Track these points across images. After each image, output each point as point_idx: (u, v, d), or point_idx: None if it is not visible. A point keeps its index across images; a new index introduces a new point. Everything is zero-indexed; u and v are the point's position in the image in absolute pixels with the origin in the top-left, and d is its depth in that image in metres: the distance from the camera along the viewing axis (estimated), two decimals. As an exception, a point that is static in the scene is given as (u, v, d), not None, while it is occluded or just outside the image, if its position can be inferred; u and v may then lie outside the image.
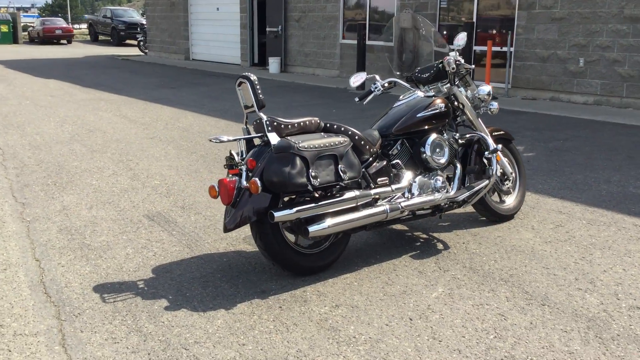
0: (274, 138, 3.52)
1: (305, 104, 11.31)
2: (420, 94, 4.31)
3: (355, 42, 15.09)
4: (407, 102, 4.24)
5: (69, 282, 3.60)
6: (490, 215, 4.52)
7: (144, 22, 30.08)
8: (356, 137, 3.79)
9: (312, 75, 16.49)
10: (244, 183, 3.42)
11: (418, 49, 4.94)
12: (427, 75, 4.44)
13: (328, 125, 3.82)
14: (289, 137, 3.51)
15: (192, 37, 22.04)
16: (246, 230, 4.36)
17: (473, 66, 4.54)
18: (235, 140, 3.53)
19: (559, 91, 10.83)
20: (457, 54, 4.35)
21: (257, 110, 3.54)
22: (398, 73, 4.73)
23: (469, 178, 4.29)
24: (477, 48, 12.14)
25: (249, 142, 3.64)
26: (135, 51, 26.79)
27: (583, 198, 5.22)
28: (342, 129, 3.81)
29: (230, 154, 3.51)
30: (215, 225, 4.59)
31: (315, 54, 16.38)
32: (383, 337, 2.96)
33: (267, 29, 17.95)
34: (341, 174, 3.52)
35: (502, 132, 4.63)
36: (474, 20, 12.19)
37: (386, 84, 4.47)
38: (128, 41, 31.07)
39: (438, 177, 4.09)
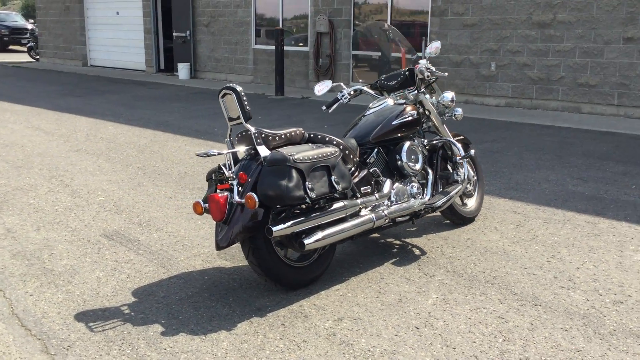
0: (263, 150, 3.44)
1: (227, 111, 11.11)
2: (390, 101, 4.35)
3: (268, 47, 15.03)
4: (379, 111, 4.27)
5: (45, 312, 3.35)
6: (455, 218, 4.63)
7: (30, 26, 28.54)
8: (341, 147, 3.78)
9: (225, 81, 16.26)
10: (237, 198, 3.31)
11: (386, 56, 4.98)
12: (393, 82, 4.48)
13: (312, 135, 3.78)
14: (279, 149, 3.44)
15: (90, 43, 21.15)
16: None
17: (446, 74, 4.64)
18: (222, 154, 3.41)
19: (473, 94, 11.28)
20: (428, 61, 4.43)
21: (244, 122, 3.44)
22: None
23: (441, 183, 4.38)
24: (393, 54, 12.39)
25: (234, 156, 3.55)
26: (23, 57, 25.36)
27: (530, 198, 5.46)
28: (327, 139, 3.78)
29: (220, 168, 3.39)
30: (182, 241, 4.42)
31: (227, 59, 16.17)
32: (397, 348, 2.96)
33: (174, 34, 17.52)
34: (335, 184, 3.49)
35: (461, 137, 4.75)
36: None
37: (352, 92, 4.49)
38: (12, 47, 29.37)
39: (413, 184, 4.14)
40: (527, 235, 4.50)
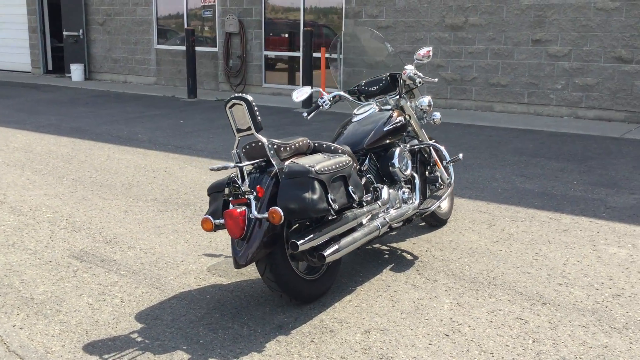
0: (278, 162, 3.32)
1: (142, 115, 10.69)
2: (375, 107, 4.34)
3: (172, 47, 14.58)
4: (367, 117, 4.24)
5: (47, 347, 3.06)
6: (432, 220, 4.70)
7: None
8: (351, 156, 3.72)
9: (124, 83, 15.60)
10: (256, 213, 3.18)
11: (375, 62, 4.95)
12: (375, 88, 4.48)
13: (317, 144, 3.69)
14: (294, 161, 3.33)
15: (-34, 43, 19.53)
16: (202, 260, 4.05)
17: (436, 79, 4.69)
18: (241, 166, 3.25)
19: (390, 94, 11.52)
20: (415, 67, 4.45)
21: (255, 132, 3.30)
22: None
23: (429, 187, 4.43)
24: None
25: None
26: None
27: (487, 196, 5.65)
28: (332, 147, 3.71)
29: (235, 182, 3.23)
30: (163, 259, 4.19)
31: (126, 60, 15.51)
32: (439, 358, 2.96)
33: (65, 33, 16.57)
34: (352, 194, 3.44)
35: (433, 140, 4.83)
36: (301, 27, 12.48)
37: (331, 98, 4.44)
38: None
39: (404, 189, 4.16)
40: (503, 234, 4.65)
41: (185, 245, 4.43)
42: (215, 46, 13.95)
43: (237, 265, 3.17)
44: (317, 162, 3.32)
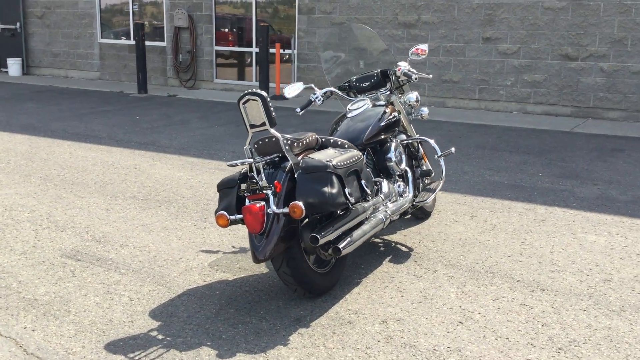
0: (293, 157, 3.37)
1: (93, 110, 10.43)
2: (369, 103, 4.41)
3: (117, 41, 14.26)
4: (362, 113, 4.31)
5: (68, 349, 3.01)
6: (419, 212, 4.83)
7: None
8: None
9: (66, 78, 15.14)
10: (274, 208, 3.21)
11: (369, 57, 5.01)
12: (366, 84, 4.56)
13: (324, 140, 3.75)
14: (311, 156, 3.38)
15: None
16: (201, 257, 4.05)
17: (430, 75, 4.80)
18: (257, 162, 3.27)
19: (344, 90, 11.64)
20: (408, 64, 4.55)
21: (269, 128, 3.33)
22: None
23: (421, 180, 4.55)
24: (257, 50, 12.44)
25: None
26: None
27: (461, 189, 5.84)
28: (339, 142, 3.77)
29: (253, 177, 3.26)
30: (160, 256, 4.16)
31: (67, 54, 15.05)
32: (459, 344, 3.08)
33: (1, 27, 15.92)
34: (365, 188, 3.51)
35: (417, 135, 4.97)
36: (253, 22, 12.45)
37: (323, 94, 4.51)
38: None
39: (399, 183, 4.27)
40: (486, 224, 4.83)
41: (179, 243, 4.41)
42: (163, 40, 13.72)
43: (257, 260, 3.19)
44: (333, 157, 3.38)
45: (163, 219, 4.92)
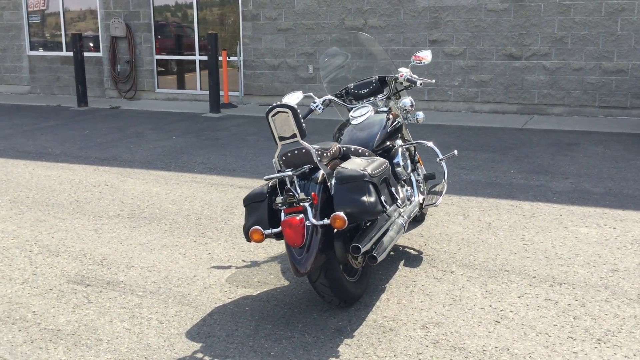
0: (324, 168, 3.36)
1: (37, 127, 9.99)
2: (372, 110, 4.44)
3: (48, 53, 13.73)
4: (368, 119, 4.33)
5: (115, 378, 2.89)
6: (417, 215, 4.91)
7: None
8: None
9: (-6, 94, 14.42)
10: (314, 221, 3.20)
11: (367, 64, 5.02)
12: (365, 90, 4.60)
13: (345, 149, 3.76)
14: (344, 166, 3.38)
15: None
16: (215, 273, 3.98)
17: (433, 80, 4.86)
18: (289, 174, 3.24)
19: (293, 96, 11.65)
20: (410, 70, 4.60)
21: (300, 140, 3.31)
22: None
23: (424, 184, 4.62)
24: (201, 58, 12.29)
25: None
26: None
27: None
28: (360, 150, 3.79)
29: (290, 190, 3.23)
30: (172, 275, 4.05)
31: (-5, 69, 14.35)
32: (505, 343, 3.16)
33: None
34: (395, 195, 3.54)
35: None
36: (196, 29, 12.27)
37: (322, 102, 4.52)
38: None
39: (407, 187, 4.32)
40: (481, 223, 4.96)
41: (186, 260, 4.30)
42: (99, 51, 13.30)
43: (299, 273, 3.16)
44: (366, 166, 3.39)
45: (158, 236, 4.78)
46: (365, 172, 3.29)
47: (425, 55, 4.59)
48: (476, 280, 3.89)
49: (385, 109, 4.53)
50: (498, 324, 3.34)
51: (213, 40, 10.55)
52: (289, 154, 3.39)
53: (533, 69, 10.06)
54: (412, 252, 4.39)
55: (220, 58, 11.22)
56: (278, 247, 4.50)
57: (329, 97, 4.58)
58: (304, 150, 3.36)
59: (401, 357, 3.03)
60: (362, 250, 3.22)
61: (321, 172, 3.36)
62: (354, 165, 3.40)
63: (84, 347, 3.15)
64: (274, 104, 3.34)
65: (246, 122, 9.99)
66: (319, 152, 3.40)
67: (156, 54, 12.77)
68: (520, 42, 10.09)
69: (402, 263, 4.19)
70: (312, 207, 3.23)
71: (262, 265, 4.19)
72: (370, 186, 3.29)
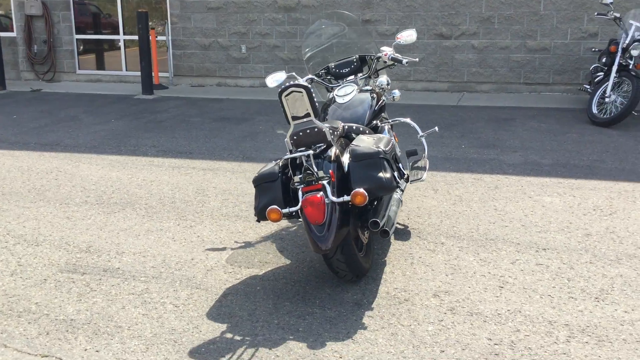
0: (337, 146, 3.43)
1: (-41, 112, 9.39)
2: (357, 88, 4.51)
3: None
4: (354, 98, 4.40)
5: (152, 364, 2.87)
6: (392, 192, 5.06)
7: None
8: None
9: None
10: (333, 198, 3.27)
11: (349, 43, 5.04)
12: (346, 70, 4.66)
13: (347, 127, 3.83)
14: (356, 144, 3.46)
15: None
16: (213, 255, 3.99)
17: (417, 59, 4.96)
18: (308, 154, 3.29)
19: (225, 77, 11.53)
20: (393, 49, 4.69)
21: (314, 119, 3.36)
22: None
23: (409, 160, 4.76)
24: (127, 37, 11.91)
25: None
26: None
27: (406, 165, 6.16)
28: (361, 129, 3.87)
29: (308, 169, 3.27)
30: (169, 259, 4.01)
31: None
32: (515, 306, 3.37)
33: None
34: (402, 170, 3.65)
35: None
36: (119, 8, 11.86)
37: (305, 82, 4.55)
38: None
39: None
40: (452, 196, 5.19)
41: (178, 244, 4.26)
42: (13, 31, 12.57)
43: (320, 250, 3.23)
44: (377, 143, 3.48)
45: (138, 222, 4.69)
46: (380, 149, 3.39)
47: (410, 34, 4.70)
48: (468, 250, 4.08)
49: (369, 87, 4.62)
50: (502, 289, 3.54)
51: (144, 19, 10.24)
52: (301, 134, 3.42)
53: (462, 48, 10.44)
54: (398, 226, 4.53)
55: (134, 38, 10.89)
56: (266, 228, 4.52)
57: (310, 76, 4.62)
58: (316, 130, 3.40)
59: (424, 325, 3.17)
60: (381, 224, 3.31)
61: (333, 150, 3.42)
62: (366, 142, 3.48)
63: (106, 335, 3.09)
64: (288, 84, 3.36)
65: (183, 103, 9.80)
66: (331, 131, 3.45)
67: (76, 34, 12.23)
68: (450, 22, 10.43)
69: (392, 237, 4.32)
70: (330, 185, 3.29)
71: (256, 245, 4.21)
72: (385, 162, 3.39)
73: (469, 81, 10.54)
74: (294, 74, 4.63)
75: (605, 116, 7.72)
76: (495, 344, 2.98)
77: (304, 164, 3.32)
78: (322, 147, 3.43)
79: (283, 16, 10.99)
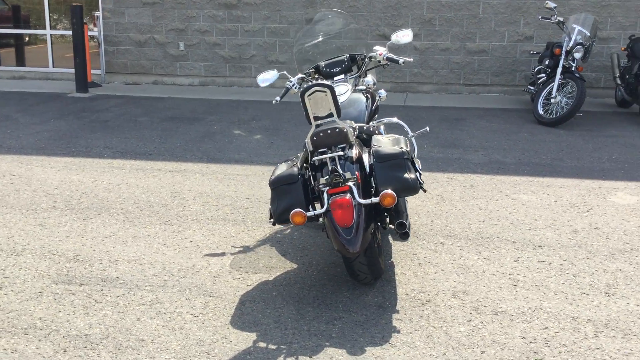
0: (358, 147, 3.38)
1: None
2: (351, 88, 4.45)
3: None
4: (349, 98, 4.34)
5: (191, 379, 2.72)
6: (375, 192, 5.05)
7: None
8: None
9: None
10: (360, 200, 3.21)
11: (341, 42, 4.93)
12: (337, 69, 4.59)
13: (358, 127, 3.77)
14: (377, 144, 3.41)
15: None
16: (214, 261, 3.85)
17: (412, 59, 4.90)
18: (338, 154, 3.22)
19: (162, 75, 11.17)
20: (387, 49, 4.65)
21: (337, 119, 3.29)
22: None
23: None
24: (53, 32, 11.33)
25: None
26: None
27: (375, 166, 6.17)
28: (371, 129, 3.82)
29: (335, 170, 3.20)
30: (169, 267, 3.82)
31: None
32: (534, 304, 3.43)
33: None
34: (419, 170, 3.63)
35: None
36: (45, 2, 11.27)
37: (297, 80, 4.47)
38: None
39: (387, 164, 4.43)
40: (433, 196, 5.24)
41: (172, 250, 4.06)
42: None
43: (349, 253, 3.16)
44: (397, 143, 3.44)
45: (121, 227, 4.44)
46: (403, 150, 3.35)
47: (406, 34, 4.67)
48: (469, 249, 4.12)
49: (362, 87, 4.57)
50: (516, 287, 3.59)
51: (78, 13, 9.75)
52: (321, 134, 3.34)
53: (404, 49, 10.58)
54: (391, 226, 4.51)
55: (64, 32, 10.38)
56: (260, 231, 4.40)
57: (301, 75, 4.52)
58: (337, 130, 3.33)
59: (455, 326, 3.16)
60: (407, 226, 3.28)
61: (355, 150, 3.36)
62: (386, 143, 3.44)
63: (130, 350, 2.90)
64: (311, 84, 3.27)
65: (124, 102, 9.41)
66: (352, 131, 3.38)
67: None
68: (393, 23, 10.56)
69: (390, 238, 4.30)
70: (356, 187, 3.23)
71: (256, 250, 4.08)
72: (409, 163, 3.36)
73: (411, 82, 10.71)
74: (285, 72, 4.52)
75: (551, 116, 8.04)
76: (530, 342, 3.01)
77: (329, 165, 3.24)
78: (343, 148, 3.36)
79: (224, 13, 10.77)
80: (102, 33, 11.06)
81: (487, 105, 9.44)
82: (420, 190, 3.40)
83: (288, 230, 4.41)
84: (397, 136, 3.67)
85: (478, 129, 7.84)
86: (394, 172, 3.28)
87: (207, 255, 3.97)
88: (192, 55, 11.03)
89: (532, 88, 8.84)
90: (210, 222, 4.55)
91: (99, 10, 11.08)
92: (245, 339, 3.00)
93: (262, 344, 2.96)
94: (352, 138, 3.32)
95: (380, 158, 3.31)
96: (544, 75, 8.52)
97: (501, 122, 8.22)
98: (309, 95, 3.25)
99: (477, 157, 6.48)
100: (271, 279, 3.66)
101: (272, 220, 3.44)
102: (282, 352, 2.89)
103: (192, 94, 10.21)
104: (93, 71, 11.20)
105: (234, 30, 10.84)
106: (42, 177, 5.60)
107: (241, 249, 4.08)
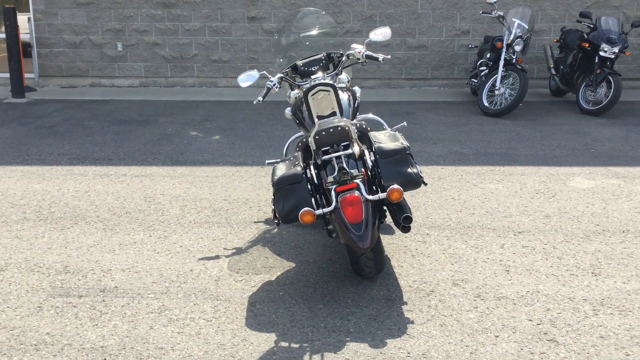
0: (359, 144, 3.44)
1: None
2: (330, 86, 4.49)
3: None
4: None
5: (225, 383, 2.72)
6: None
7: None
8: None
9: None
10: (368, 196, 3.28)
11: (317, 40, 4.92)
12: (315, 68, 4.63)
13: (357, 124, 3.83)
14: (379, 142, 3.48)
15: None
16: (211, 265, 3.83)
17: (389, 56, 4.93)
18: (349, 153, 3.27)
19: (100, 76, 10.86)
20: (365, 46, 4.70)
21: (339, 117, 3.34)
22: None
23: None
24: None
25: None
26: None
27: (341, 162, 6.25)
28: (364, 125, 3.88)
29: (344, 168, 3.25)
30: (167, 274, 3.78)
31: None
32: (531, 287, 3.60)
33: None
34: (416, 165, 3.72)
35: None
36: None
37: (277, 80, 4.48)
38: None
39: (371, 159, 4.51)
40: (419, 189, 5.35)
41: (164, 256, 4.01)
42: None
43: (361, 249, 3.22)
44: (396, 138, 3.52)
45: (103, 236, 4.34)
46: (404, 145, 3.43)
47: (384, 32, 4.73)
48: (455, 239, 4.26)
49: (342, 85, 4.62)
50: (508, 273, 3.75)
51: (11, 15, 9.34)
52: (324, 133, 3.38)
53: (347, 45, 10.69)
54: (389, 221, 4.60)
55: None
56: (248, 232, 4.39)
57: (280, 75, 4.53)
58: (339, 128, 3.37)
59: (464, 313, 3.28)
60: (412, 219, 3.37)
61: (358, 148, 3.41)
62: (385, 139, 3.51)
63: (153, 359, 2.85)
64: (315, 83, 3.30)
65: (65, 107, 9.09)
66: (354, 129, 3.44)
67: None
68: (335, 20, 10.63)
69: (383, 228, 4.38)
70: (363, 183, 3.29)
71: (250, 251, 4.08)
72: (410, 158, 3.45)
73: (355, 77, 10.81)
74: (265, 72, 4.51)
75: (496, 107, 8.35)
76: (538, 324, 3.16)
77: (335, 163, 3.29)
78: (347, 145, 3.41)
79: (163, 12, 10.57)
80: (34, 35, 10.64)
81: (431, 99, 9.69)
82: (422, 183, 3.49)
83: (275, 230, 4.42)
84: (392, 132, 3.75)
85: (430, 122, 8.04)
86: (398, 167, 3.36)
87: (202, 259, 3.94)
88: (131, 56, 10.77)
89: (475, 81, 9.14)
90: (194, 225, 4.51)
91: (29, 12, 10.65)
92: (265, 340, 3.01)
93: (284, 344, 2.98)
94: (354, 135, 3.38)
95: (384, 154, 3.38)
96: (485, 68, 8.82)
97: (449, 115, 8.46)
98: (313, 94, 3.27)
99: (436, 149, 6.66)
100: (273, 279, 3.67)
101: (277, 220, 3.45)
102: (307, 350, 2.92)
103: (135, 95, 9.99)
104: (26, 75, 10.74)
105: (174, 30, 10.66)
106: (2, 188, 5.36)
107: (234, 251, 4.06)
